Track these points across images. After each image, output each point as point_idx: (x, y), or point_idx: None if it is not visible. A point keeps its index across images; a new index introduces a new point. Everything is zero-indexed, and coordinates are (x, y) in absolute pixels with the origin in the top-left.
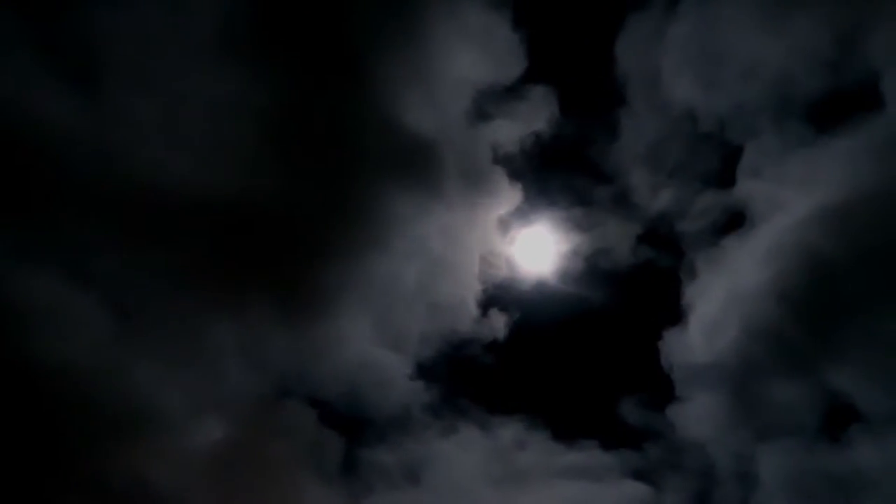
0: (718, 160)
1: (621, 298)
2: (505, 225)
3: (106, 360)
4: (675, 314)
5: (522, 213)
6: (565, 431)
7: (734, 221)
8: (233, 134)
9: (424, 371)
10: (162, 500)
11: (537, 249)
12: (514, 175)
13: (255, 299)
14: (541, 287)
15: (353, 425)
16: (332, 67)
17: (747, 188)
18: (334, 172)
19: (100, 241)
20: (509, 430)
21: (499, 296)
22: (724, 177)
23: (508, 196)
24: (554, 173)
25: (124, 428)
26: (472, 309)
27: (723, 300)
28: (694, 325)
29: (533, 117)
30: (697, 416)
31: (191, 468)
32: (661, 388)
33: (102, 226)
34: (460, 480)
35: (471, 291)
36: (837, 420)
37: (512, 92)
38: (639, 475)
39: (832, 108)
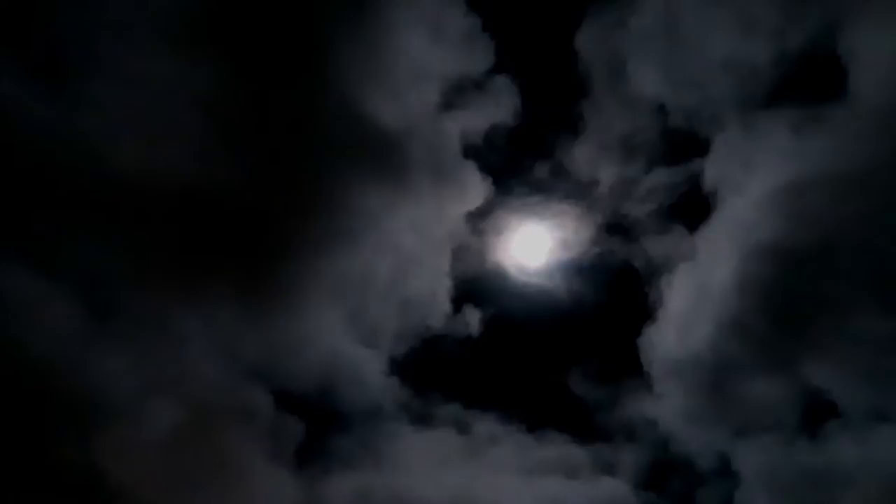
0: (686, 151)
1: (594, 292)
2: (476, 219)
3: (70, 350)
4: (650, 309)
5: (493, 207)
6: (540, 426)
7: (706, 214)
8: (202, 125)
9: (398, 367)
10: (123, 491)
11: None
12: (485, 169)
13: (225, 292)
14: (513, 281)
15: (325, 420)
16: (299, 59)
17: (717, 179)
18: (304, 165)
19: (65, 231)
20: (484, 426)
21: (471, 290)
22: (693, 167)
23: (479, 190)
24: (524, 167)
25: (86, 419)
26: (445, 304)
27: (697, 295)
28: (669, 321)
29: (502, 109)
30: (674, 411)
31: (153, 460)
32: (637, 383)
33: (68, 216)
34: (434, 475)
35: (443, 286)
36: (815, 416)
37: (480, 84)
38: (614, 471)
39: (798, 94)
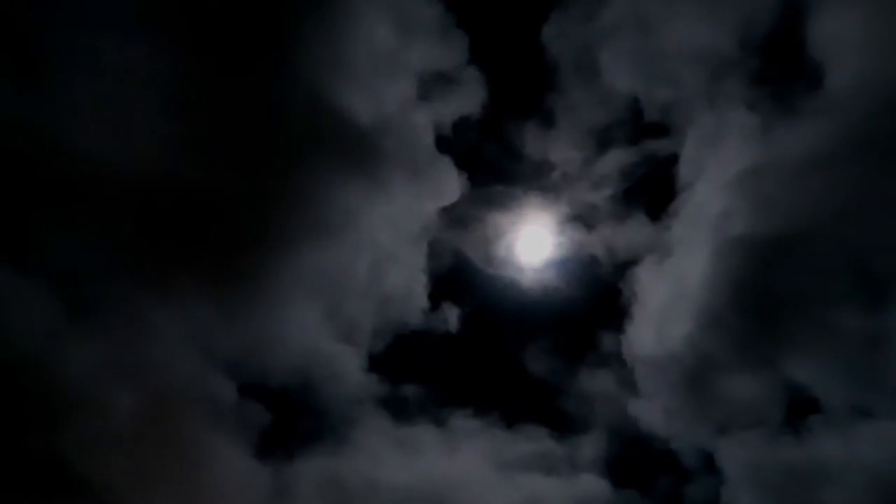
0: (659, 141)
1: (572, 286)
2: (451, 214)
3: (41, 343)
4: (629, 303)
5: (468, 202)
6: (518, 422)
7: (682, 206)
8: (179, 119)
9: (376, 363)
10: (93, 482)
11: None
12: (459, 163)
13: (201, 287)
14: (489, 276)
15: (303, 415)
16: (273, 52)
17: (691, 172)
18: (279, 160)
19: (37, 224)
20: (462, 421)
21: (447, 285)
22: (669, 159)
23: (454, 185)
24: (500, 161)
25: (56, 411)
26: (422, 299)
27: (675, 290)
28: (648, 316)
29: (476, 104)
30: (657, 409)
31: (123, 453)
32: (618, 380)
33: (39, 210)
34: (413, 469)
35: (419, 282)
36: (797, 412)
37: (454, 78)
38: (594, 468)
39: (769, 81)
